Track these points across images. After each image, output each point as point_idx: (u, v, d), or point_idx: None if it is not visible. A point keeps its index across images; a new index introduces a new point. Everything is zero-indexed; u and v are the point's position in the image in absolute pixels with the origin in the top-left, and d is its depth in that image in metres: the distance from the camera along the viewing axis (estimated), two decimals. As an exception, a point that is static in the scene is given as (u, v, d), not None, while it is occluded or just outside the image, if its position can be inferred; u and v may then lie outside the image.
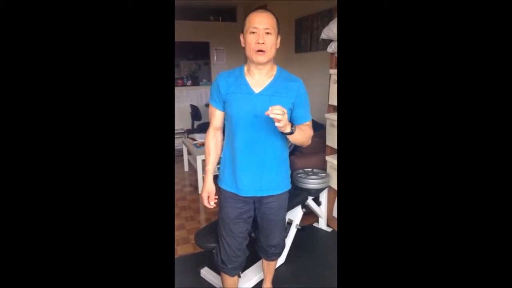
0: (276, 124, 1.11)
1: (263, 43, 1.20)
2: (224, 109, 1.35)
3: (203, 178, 1.45)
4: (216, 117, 1.38)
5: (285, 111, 1.10)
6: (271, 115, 1.07)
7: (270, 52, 1.23)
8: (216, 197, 1.43)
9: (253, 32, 1.21)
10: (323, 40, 2.61)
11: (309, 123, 1.38)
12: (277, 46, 1.27)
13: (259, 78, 1.29)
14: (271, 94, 1.27)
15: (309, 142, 1.36)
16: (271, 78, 1.30)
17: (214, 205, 1.42)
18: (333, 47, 2.32)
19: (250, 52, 1.23)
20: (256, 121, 1.27)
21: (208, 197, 1.41)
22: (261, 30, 1.20)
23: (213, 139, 1.42)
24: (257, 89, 1.28)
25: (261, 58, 1.23)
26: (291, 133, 1.20)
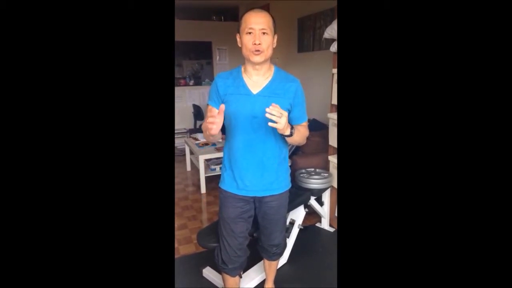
0: (274, 125, 1.10)
1: (259, 43, 1.20)
2: None
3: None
4: None
5: (284, 113, 1.10)
6: (268, 116, 1.06)
7: (267, 52, 1.23)
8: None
9: (249, 33, 1.21)
10: (326, 39, 2.60)
11: (305, 123, 1.39)
12: (274, 46, 1.27)
13: (256, 79, 1.29)
14: (269, 95, 1.27)
15: (305, 141, 1.37)
16: (269, 79, 1.30)
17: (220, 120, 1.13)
18: (336, 47, 2.31)
19: (247, 52, 1.23)
20: (255, 122, 1.27)
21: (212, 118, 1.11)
22: (257, 31, 1.20)
23: None
24: (255, 90, 1.28)
25: (258, 58, 1.22)
26: (290, 135, 1.20)
